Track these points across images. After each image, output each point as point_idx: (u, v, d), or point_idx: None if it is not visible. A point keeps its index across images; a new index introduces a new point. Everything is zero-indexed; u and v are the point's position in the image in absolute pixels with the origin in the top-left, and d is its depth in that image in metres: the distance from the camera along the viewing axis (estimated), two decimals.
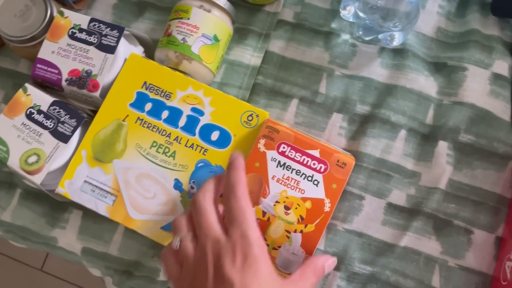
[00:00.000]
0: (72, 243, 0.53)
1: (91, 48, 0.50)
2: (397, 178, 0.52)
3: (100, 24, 0.50)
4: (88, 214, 0.54)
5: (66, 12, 0.51)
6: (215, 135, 0.48)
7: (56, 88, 0.50)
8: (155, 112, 0.49)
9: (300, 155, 0.46)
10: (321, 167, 0.46)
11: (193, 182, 0.48)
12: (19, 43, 0.52)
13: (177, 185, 0.48)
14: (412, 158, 0.52)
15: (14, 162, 0.47)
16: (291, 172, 0.46)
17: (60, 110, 0.49)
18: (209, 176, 0.46)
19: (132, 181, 0.48)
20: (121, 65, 0.51)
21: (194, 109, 0.49)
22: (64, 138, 0.48)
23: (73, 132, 0.48)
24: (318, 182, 0.45)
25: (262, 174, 0.46)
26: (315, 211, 0.45)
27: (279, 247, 0.45)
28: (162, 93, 0.49)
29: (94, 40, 0.50)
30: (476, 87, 0.52)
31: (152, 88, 0.49)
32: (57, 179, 0.49)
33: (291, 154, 0.46)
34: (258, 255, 0.37)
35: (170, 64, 0.51)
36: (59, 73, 0.49)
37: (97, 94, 0.48)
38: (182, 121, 0.49)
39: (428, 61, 0.54)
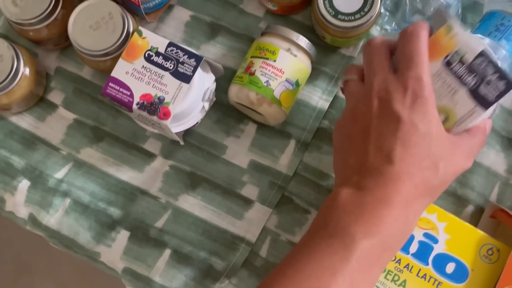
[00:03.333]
0: (115, 261, 0.53)
1: (166, 74, 0.48)
2: None
3: (178, 50, 0.49)
4: (135, 237, 0.53)
5: (145, 32, 0.49)
6: (450, 267, 0.44)
7: (123, 108, 0.49)
8: None
9: None
10: None
11: None
12: (91, 56, 0.50)
13: None
14: None
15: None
16: None
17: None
18: None
19: None
20: (195, 95, 0.49)
21: (426, 235, 0.45)
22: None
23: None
24: None
25: None
26: None
27: None
28: None
29: (170, 66, 0.48)
30: None
31: None
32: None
33: None
34: (429, 98, 0.37)
35: (246, 103, 0.49)
36: (131, 95, 0.48)
37: (167, 122, 0.47)
38: (414, 247, 0.45)
39: (502, 135, 0.53)
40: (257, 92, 0.49)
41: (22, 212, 0.55)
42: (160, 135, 0.55)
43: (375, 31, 0.55)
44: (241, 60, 0.56)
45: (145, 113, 0.48)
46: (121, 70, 0.49)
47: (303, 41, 0.50)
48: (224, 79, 0.55)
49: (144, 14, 0.54)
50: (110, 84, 0.48)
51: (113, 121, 0.56)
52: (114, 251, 0.53)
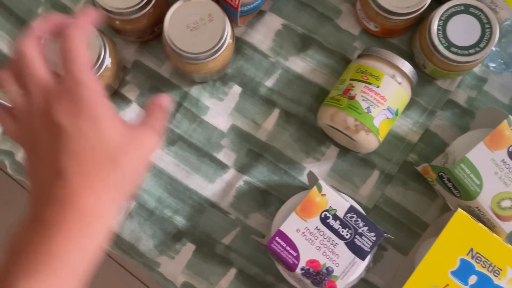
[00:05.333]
0: (175, 274, 0.50)
1: (341, 243, 0.44)
2: None
3: (358, 219, 0.44)
4: (201, 252, 0.50)
5: (324, 188, 0.45)
6: None
7: (281, 264, 0.45)
8: None
9: None
10: None
11: None
12: (181, 57, 0.47)
13: None
14: None
15: (484, 200, 0.43)
16: None
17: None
18: None
19: None
20: (361, 270, 0.45)
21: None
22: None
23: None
24: None
25: None
26: None
27: None
28: (491, 267, 0.43)
29: (347, 235, 0.44)
30: None
31: (479, 259, 0.43)
32: None
33: None
34: (93, 98, 0.34)
35: (341, 128, 0.46)
36: (297, 257, 0.43)
37: None
38: (473, 280, 0.43)
39: None
40: (356, 118, 0.46)
41: None
42: (235, 146, 0.52)
43: (477, 67, 0.52)
44: (331, 78, 0.53)
45: (308, 281, 0.43)
46: (292, 226, 0.44)
47: (408, 68, 0.47)
48: (312, 95, 0.52)
49: (238, 18, 0.51)
50: (276, 238, 0.44)
51: (188, 125, 0.52)
52: (176, 264, 0.50)
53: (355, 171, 0.51)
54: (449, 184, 0.45)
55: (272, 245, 0.43)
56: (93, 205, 0.33)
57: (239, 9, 0.49)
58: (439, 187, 0.48)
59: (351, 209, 0.44)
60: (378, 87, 0.46)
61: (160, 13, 0.50)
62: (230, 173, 0.52)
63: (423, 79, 0.52)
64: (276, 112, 0.52)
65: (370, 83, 0.46)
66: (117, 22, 0.49)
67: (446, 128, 0.52)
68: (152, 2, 0.48)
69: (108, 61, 0.49)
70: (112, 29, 0.52)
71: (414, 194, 0.51)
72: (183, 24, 0.47)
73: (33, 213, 0.33)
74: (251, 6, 0.51)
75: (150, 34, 0.52)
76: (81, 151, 0.33)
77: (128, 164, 0.34)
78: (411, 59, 0.52)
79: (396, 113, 0.47)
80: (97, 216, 0.33)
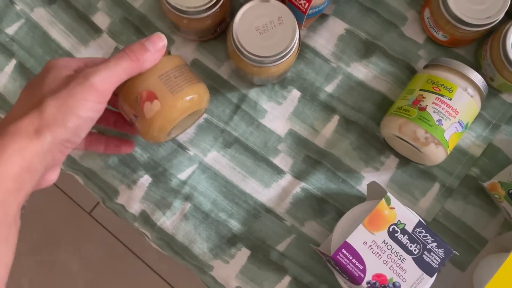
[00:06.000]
0: (228, 278, 0.49)
1: (409, 258, 0.42)
2: None
3: (427, 234, 0.43)
4: (255, 257, 0.49)
5: (393, 201, 0.43)
6: None
7: (346, 277, 0.44)
8: None
9: None
10: None
11: None
12: (249, 60, 0.46)
13: None
14: None
15: None
16: None
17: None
18: None
19: None
20: (429, 287, 0.42)
21: None
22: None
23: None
24: None
25: None
26: None
27: None
28: None
29: (415, 250, 0.43)
30: None
31: None
32: None
33: None
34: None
35: (410, 140, 0.45)
36: (363, 271, 0.42)
37: None
38: None
39: None
40: (427, 130, 0.44)
41: (135, 207, 0.51)
42: (292, 152, 0.51)
43: None
44: (394, 86, 0.52)
45: None
46: (359, 238, 0.43)
47: (480, 81, 0.46)
48: (374, 103, 0.51)
49: (303, 21, 0.50)
50: (343, 250, 0.42)
51: (245, 128, 0.52)
52: (230, 268, 0.49)
53: (415, 183, 0.50)
54: None
55: (338, 256, 0.42)
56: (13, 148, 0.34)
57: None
58: (506, 205, 0.47)
59: (420, 224, 0.43)
60: (450, 99, 0.45)
61: (225, 14, 0.49)
62: (287, 178, 0.51)
63: (488, 93, 0.51)
64: (335, 119, 0.52)
65: (442, 95, 0.45)
66: (184, 20, 0.48)
67: (510, 143, 0.50)
68: (220, 2, 0.47)
69: None
70: (172, 25, 0.51)
71: (475, 209, 0.50)
72: (252, 25, 0.45)
73: None
74: (317, 9, 0.50)
75: (212, 34, 0.51)
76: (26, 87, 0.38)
77: (57, 108, 0.35)
78: (476, 71, 0.51)
79: (466, 127, 0.46)
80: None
